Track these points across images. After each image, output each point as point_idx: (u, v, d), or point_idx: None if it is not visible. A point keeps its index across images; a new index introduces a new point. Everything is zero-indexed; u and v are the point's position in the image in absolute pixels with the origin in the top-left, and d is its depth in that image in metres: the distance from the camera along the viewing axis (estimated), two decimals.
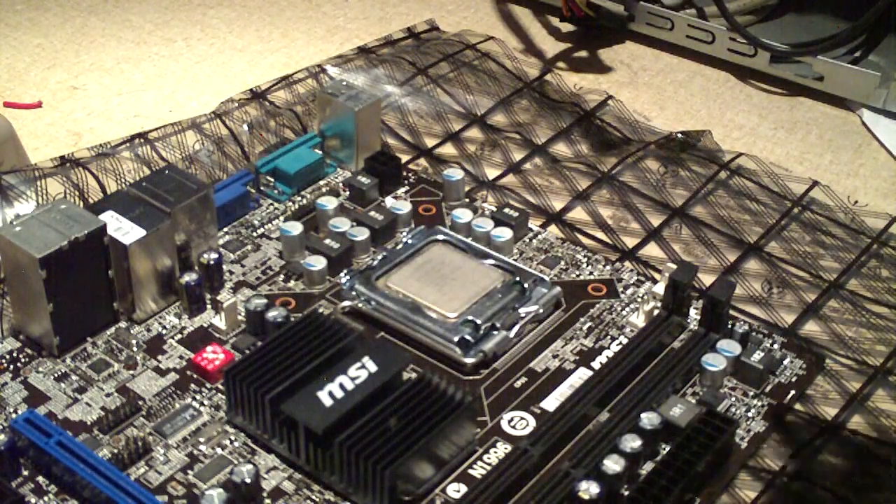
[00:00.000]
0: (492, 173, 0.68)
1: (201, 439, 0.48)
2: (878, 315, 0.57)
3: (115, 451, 0.47)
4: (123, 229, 0.52)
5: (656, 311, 0.54)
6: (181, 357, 0.52)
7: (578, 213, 0.64)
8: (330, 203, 0.60)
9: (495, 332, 0.52)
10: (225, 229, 0.60)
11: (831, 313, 0.57)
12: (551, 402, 0.50)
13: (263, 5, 0.88)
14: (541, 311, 0.54)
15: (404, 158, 0.67)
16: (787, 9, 0.82)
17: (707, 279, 0.58)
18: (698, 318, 0.54)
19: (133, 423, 0.48)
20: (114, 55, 0.81)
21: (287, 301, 0.55)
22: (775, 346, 0.53)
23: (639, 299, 0.56)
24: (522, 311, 0.53)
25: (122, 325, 0.53)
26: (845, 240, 0.62)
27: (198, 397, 0.50)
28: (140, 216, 0.52)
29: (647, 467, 0.46)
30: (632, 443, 0.46)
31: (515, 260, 0.57)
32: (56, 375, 0.51)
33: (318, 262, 0.56)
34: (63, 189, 0.62)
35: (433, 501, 0.45)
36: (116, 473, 0.44)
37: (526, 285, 0.54)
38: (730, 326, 0.53)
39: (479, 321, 0.52)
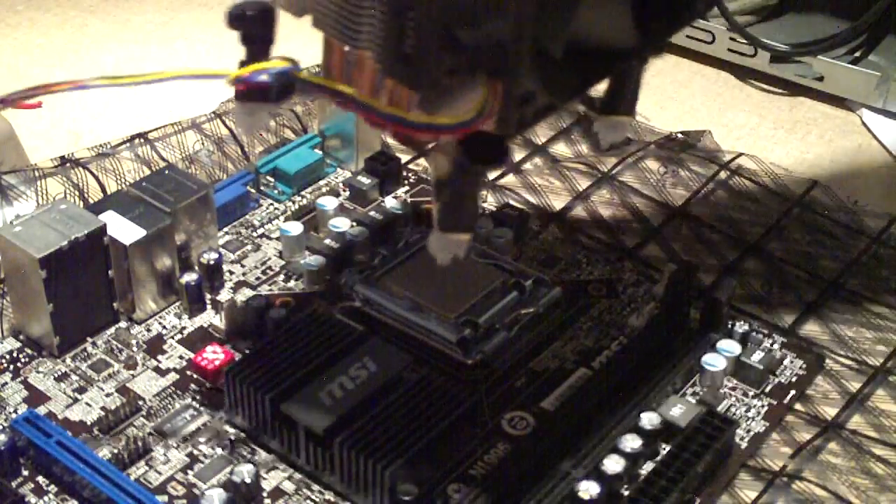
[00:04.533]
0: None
1: (201, 439, 0.48)
2: (878, 315, 0.57)
3: (115, 451, 0.47)
4: (123, 229, 0.52)
5: (656, 311, 0.54)
6: (181, 357, 0.52)
7: (578, 213, 0.64)
8: (330, 203, 0.60)
9: (495, 332, 0.52)
10: (225, 229, 0.60)
11: (831, 313, 0.57)
12: (551, 402, 0.50)
13: None
14: (541, 311, 0.54)
15: (404, 158, 0.67)
16: (787, 9, 0.82)
17: (707, 279, 0.58)
18: (698, 318, 0.54)
19: (133, 423, 0.48)
20: (114, 55, 0.81)
21: (287, 301, 0.55)
22: (775, 346, 0.53)
23: (639, 299, 0.56)
24: (522, 311, 0.53)
25: (122, 325, 0.53)
26: (845, 240, 0.62)
27: (198, 397, 0.50)
28: (140, 216, 0.52)
29: (647, 467, 0.46)
30: (632, 443, 0.46)
31: (515, 260, 0.57)
32: (56, 375, 0.51)
33: (317, 262, 0.56)
34: (63, 189, 0.62)
35: (433, 501, 0.45)
36: (116, 473, 0.44)
37: (526, 285, 0.54)
38: (730, 326, 0.53)
39: (479, 321, 0.52)
